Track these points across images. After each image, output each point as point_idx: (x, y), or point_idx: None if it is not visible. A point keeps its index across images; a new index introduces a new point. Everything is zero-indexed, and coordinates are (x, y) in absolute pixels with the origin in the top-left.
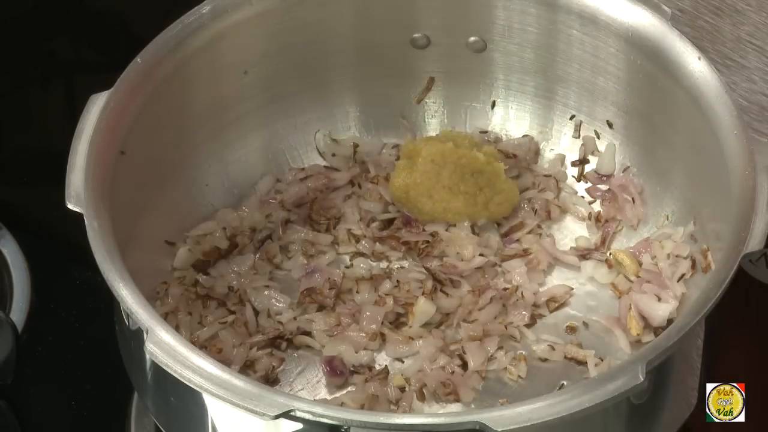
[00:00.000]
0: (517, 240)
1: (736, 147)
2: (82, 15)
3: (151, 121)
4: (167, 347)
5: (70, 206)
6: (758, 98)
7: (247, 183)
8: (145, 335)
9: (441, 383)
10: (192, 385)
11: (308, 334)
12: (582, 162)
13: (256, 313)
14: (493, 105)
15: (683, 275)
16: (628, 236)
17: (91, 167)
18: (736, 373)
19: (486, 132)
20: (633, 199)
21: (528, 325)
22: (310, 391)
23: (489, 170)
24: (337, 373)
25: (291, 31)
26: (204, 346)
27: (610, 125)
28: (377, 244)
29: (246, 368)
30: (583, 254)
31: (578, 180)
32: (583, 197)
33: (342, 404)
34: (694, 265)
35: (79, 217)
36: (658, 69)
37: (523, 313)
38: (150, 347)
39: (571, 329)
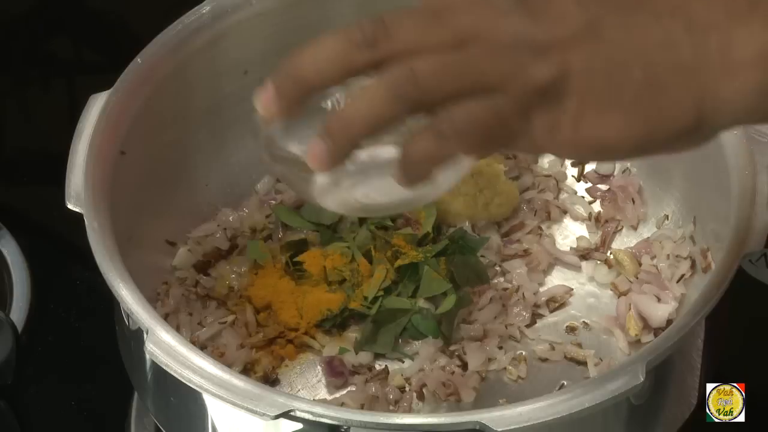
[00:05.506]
0: (517, 240)
1: (736, 147)
2: (82, 15)
3: (151, 121)
4: (167, 347)
5: (70, 206)
6: None
7: (247, 183)
8: (145, 335)
9: (441, 383)
10: (192, 385)
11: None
12: (582, 162)
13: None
14: None
15: (683, 276)
16: (628, 236)
17: (91, 167)
18: (736, 373)
19: None
20: (633, 199)
21: (528, 325)
22: (310, 391)
23: (489, 171)
24: (337, 373)
25: (291, 31)
26: (204, 347)
27: None
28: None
29: (246, 369)
30: (583, 254)
31: (578, 180)
32: (583, 197)
33: (342, 404)
34: (693, 266)
35: (79, 217)
36: None
37: (523, 313)
38: (150, 347)
39: (571, 329)
